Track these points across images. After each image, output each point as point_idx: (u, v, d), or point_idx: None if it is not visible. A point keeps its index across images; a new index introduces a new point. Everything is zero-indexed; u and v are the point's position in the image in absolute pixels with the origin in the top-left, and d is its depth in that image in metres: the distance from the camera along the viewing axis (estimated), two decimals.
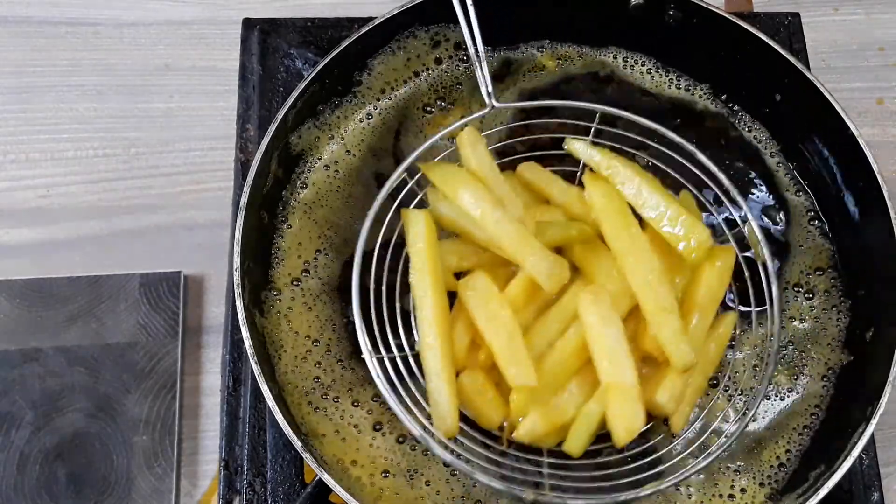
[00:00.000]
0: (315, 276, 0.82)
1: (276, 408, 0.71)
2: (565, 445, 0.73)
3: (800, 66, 0.83)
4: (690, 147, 0.79)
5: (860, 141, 0.80)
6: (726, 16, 0.85)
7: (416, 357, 0.75)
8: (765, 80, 0.87)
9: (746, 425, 0.74)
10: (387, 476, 0.76)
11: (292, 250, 0.83)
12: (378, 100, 0.89)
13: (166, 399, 0.87)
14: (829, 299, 0.84)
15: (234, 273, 0.75)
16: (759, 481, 0.77)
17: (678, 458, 0.75)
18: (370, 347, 0.73)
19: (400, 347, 0.77)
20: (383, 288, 0.78)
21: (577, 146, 0.79)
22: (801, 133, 0.87)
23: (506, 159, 0.84)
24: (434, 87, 0.90)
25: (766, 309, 0.77)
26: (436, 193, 0.78)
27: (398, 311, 0.79)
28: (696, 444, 0.76)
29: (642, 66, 0.92)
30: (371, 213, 0.77)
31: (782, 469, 0.78)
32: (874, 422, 0.72)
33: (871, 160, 0.79)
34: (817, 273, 0.85)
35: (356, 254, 0.76)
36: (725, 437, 0.73)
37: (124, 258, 0.94)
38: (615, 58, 0.92)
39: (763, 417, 0.80)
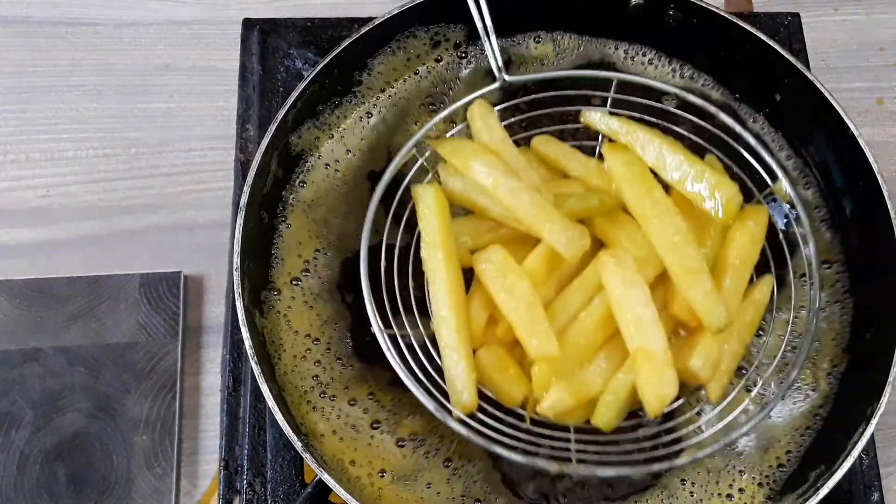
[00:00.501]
0: (315, 274, 0.82)
1: (276, 408, 0.71)
2: (594, 419, 0.70)
3: (800, 66, 0.83)
4: (713, 108, 0.77)
5: (860, 141, 0.80)
6: (726, 16, 0.85)
7: (432, 339, 0.73)
8: (765, 80, 0.87)
9: (784, 395, 0.70)
10: (385, 476, 0.76)
11: (292, 250, 0.83)
12: (378, 99, 0.89)
13: (166, 399, 0.87)
14: (834, 294, 0.84)
15: (234, 273, 0.75)
16: (759, 481, 0.77)
17: (713, 429, 0.71)
18: (380, 323, 0.71)
19: (414, 326, 0.75)
20: (395, 267, 0.76)
21: (594, 116, 0.76)
22: (801, 133, 0.87)
23: (519, 135, 0.81)
24: (434, 86, 0.90)
25: (806, 283, 0.75)
26: (447, 169, 0.76)
27: (412, 290, 0.76)
28: (733, 414, 0.73)
29: (643, 56, 0.92)
30: (377, 194, 0.75)
31: (781, 469, 0.78)
32: (874, 422, 0.71)
33: (872, 160, 0.79)
34: (824, 267, 0.84)
35: (365, 222, 0.73)
36: (761, 406, 0.70)
37: (124, 258, 0.94)
38: (616, 48, 0.92)
39: (772, 418, 0.79)
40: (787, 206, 0.78)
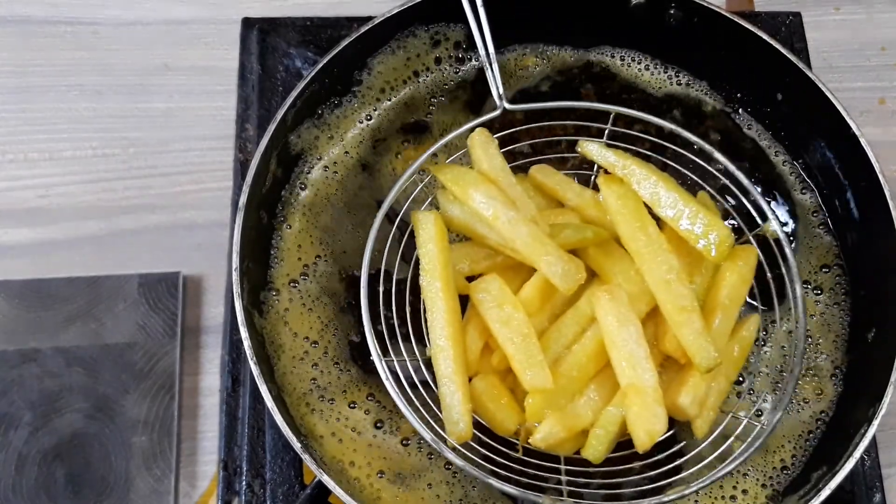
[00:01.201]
0: (314, 279, 0.82)
1: (276, 409, 0.71)
2: (584, 451, 0.71)
3: (801, 65, 0.83)
4: (708, 147, 0.79)
5: (862, 141, 0.80)
6: (727, 15, 0.85)
7: (428, 364, 0.74)
8: (766, 80, 0.87)
9: (773, 429, 0.72)
10: (384, 477, 0.76)
11: (292, 251, 0.82)
12: (378, 99, 0.89)
13: (165, 399, 0.87)
14: (833, 297, 0.83)
15: (234, 273, 0.75)
16: (762, 483, 0.77)
17: (701, 463, 0.73)
18: (380, 350, 0.72)
19: (411, 353, 0.76)
20: (392, 293, 0.77)
21: (591, 148, 0.78)
22: (802, 133, 0.87)
23: (518, 162, 0.83)
24: (434, 86, 0.90)
25: (791, 309, 0.76)
26: (446, 195, 0.77)
27: (409, 316, 0.78)
28: (720, 449, 0.74)
29: (639, 63, 0.92)
30: (376, 222, 0.76)
31: (785, 472, 0.77)
32: (876, 423, 0.71)
33: (873, 160, 0.79)
34: (823, 270, 0.84)
35: (366, 249, 0.74)
36: (750, 439, 0.72)
37: (123, 258, 0.93)
38: (612, 55, 0.92)
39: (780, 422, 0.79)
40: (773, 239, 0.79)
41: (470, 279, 0.76)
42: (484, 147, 0.77)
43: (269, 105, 0.90)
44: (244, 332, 0.73)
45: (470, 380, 0.73)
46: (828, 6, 1.09)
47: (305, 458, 0.70)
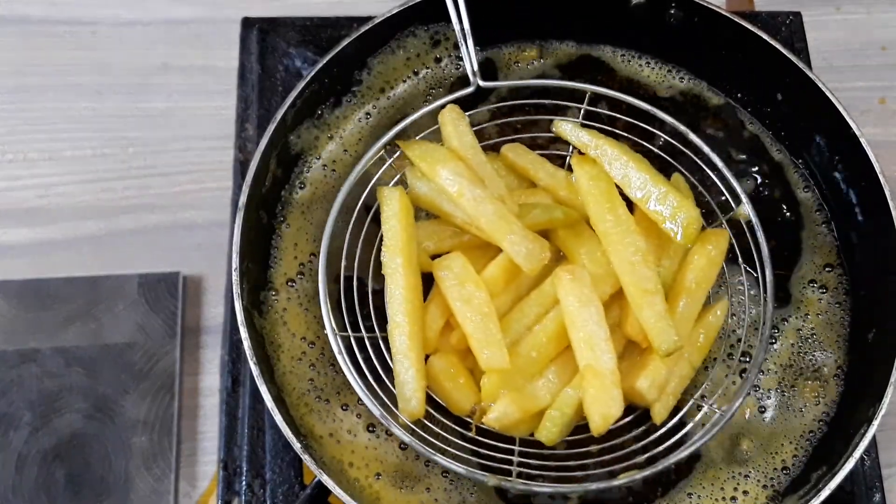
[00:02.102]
0: (309, 277, 0.82)
1: (275, 409, 0.71)
2: (538, 433, 0.70)
3: (801, 65, 0.83)
4: (682, 128, 0.78)
5: (862, 140, 0.80)
6: (728, 15, 0.85)
7: (386, 340, 0.73)
8: (766, 80, 0.87)
9: (729, 420, 0.71)
10: (382, 478, 0.75)
11: (289, 251, 0.82)
12: (377, 99, 0.88)
13: (165, 400, 0.87)
14: (834, 296, 0.83)
15: (233, 273, 0.75)
16: (763, 484, 0.77)
17: (658, 448, 0.72)
18: (335, 325, 0.71)
19: (370, 329, 0.75)
20: (355, 267, 0.76)
21: (565, 127, 0.77)
22: (802, 133, 0.87)
23: (491, 141, 0.81)
24: (433, 86, 0.90)
25: (761, 294, 0.75)
26: (414, 172, 0.76)
27: (370, 292, 0.76)
28: (678, 435, 0.73)
29: (639, 62, 0.92)
30: (341, 195, 0.75)
31: (785, 472, 0.77)
32: (876, 423, 0.71)
33: (874, 160, 0.79)
34: (827, 270, 0.84)
35: (327, 223, 0.74)
36: (711, 425, 0.70)
37: (123, 258, 0.93)
38: (613, 52, 0.92)
39: (781, 422, 0.79)
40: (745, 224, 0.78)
41: (436, 258, 0.75)
42: (454, 123, 0.76)
43: (268, 105, 0.90)
44: (244, 333, 0.73)
45: (428, 358, 0.72)
46: (828, 6, 1.09)
47: (305, 458, 0.70)
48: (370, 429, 0.77)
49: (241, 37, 0.93)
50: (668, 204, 0.71)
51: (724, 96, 0.91)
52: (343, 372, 0.77)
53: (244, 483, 0.78)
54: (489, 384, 0.69)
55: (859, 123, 0.80)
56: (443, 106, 0.78)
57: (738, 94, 0.90)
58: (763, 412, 0.79)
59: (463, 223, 0.74)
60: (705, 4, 0.85)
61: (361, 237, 0.78)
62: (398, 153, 0.78)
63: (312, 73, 0.82)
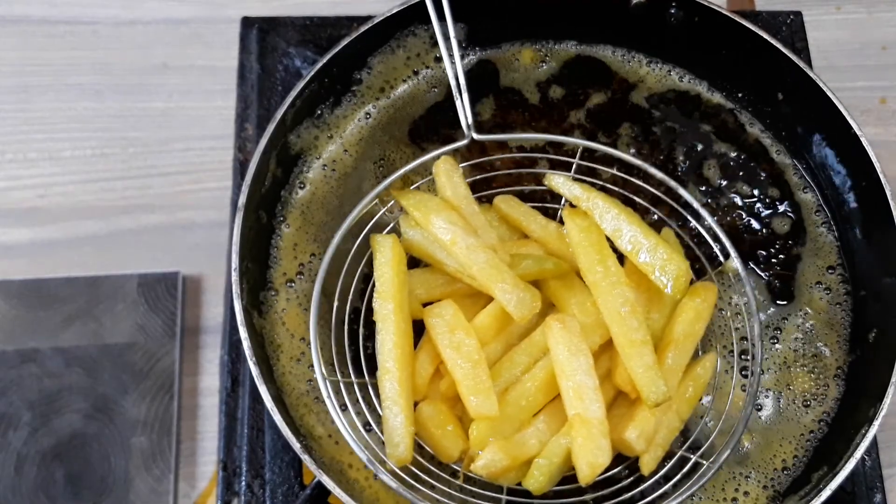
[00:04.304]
0: (308, 278, 0.81)
1: (275, 409, 0.71)
2: (525, 482, 0.70)
3: (802, 64, 0.83)
4: (673, 183, 0.79)
5: (863, 140, 0.79)
6: (728, 14, 0.85)
7: (375, 386, 0.73)
8: (767, 79, 0.87)
9: (718, 469, 0.71)
10: (380, 479, 0.75)
11: (288, 251, 0.82)
12: (378, 99, 0.88)
13: (164, 400, 0.87)
14: (835, 297, 0.83)
15: (233, 273, 0.74)
16: (763, 484, 0.77)
17: (646, 500, 0.72)
18: (324, 371, 0.71)
19: (359, 374, 0.75)
20: (346, 312, 0.77)
21: (558, 181, 0.78)
22: (803, 132, 0.87)
23: (484, 193, 0.82)
24: (433, 85, 0.90)
25: (749, 348, 0.76)
26: (407, 221, 0.77)
27: (361, 338, 0.77)
28: (671, 482, 0.73)
29: (639, 62, 0.92)
30: (335, 240, 0.75)
31: (786, 472, 0.77)
32: (877, 423, 0.71)
33: (874, 160, 0.79)
34: (827, 270, 0.84)
35: (318, 275, 0.74)
36: (699, 476, 0.70)
37: (122, 258, 0.93)
38: (613, 52, 0.92)
39: (781, 422, 0.79)
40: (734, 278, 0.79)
41: (427, 306, 0.75)
42: (448, 175, 0.77)
43: (268, 105, 0.90)
44: (243, 333, 0.73)
45: (417, 405, 0.72)
46: (829, 5, 1.09)
47: (305, 458, 0.70)
48: (367, 428, 0.77)
49: (240, 36, 0.93)
50: (658, 256, 0.72)
51: (725, 96, 0.91)
52: (345, 373, 0.77)
53: (244, 483, 0.78)
54: (478, 432, 0.69)
55: (860, 123, 0.80)
56: (438, 156, 0.79)
57: (739, 94, 0.90)
58: (762, 412, 0.79)
59: (455, 271, 0.74)
60: (706, 4, 0.85)
61: (354, 282, 0.78)
62: (392, 202, 0.79)
63: (312, 73, 0.81)
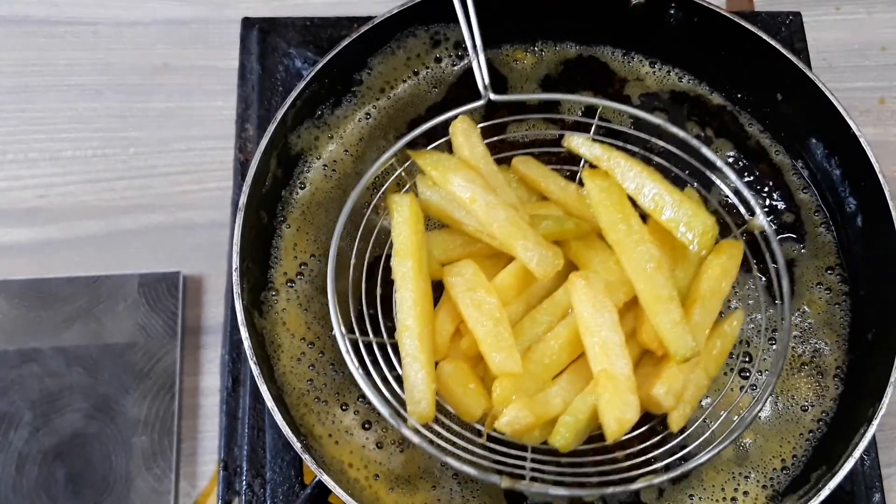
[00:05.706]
0: (308, 278, 0.82)
1: (276, 409, 0.71)
2: (552, 439, 0.69)
3: (801, 65, 0.83)
4: (695, 142, 0.78)
5: (862, 140, 0.80)
6: (727, 15, 0.85)
7: (394, 346, 0.72)
8: (766, 80, 0.87)
9: (749, 424, 0.70)
10: (380, 479, 0.75)
11: (289, 251, 0.82)
12: (378, 99, 0.89)
13: (165, 399, 0.87)
14: (834, 297, 0.83)
15: (233, 273, 0.75)
16: (762, 484, 0.77)
17: (674, 456, 0.72)
18: (343, 328, 0.70)
19: (378, 333, 0.75)
20: (364, 271, 0.76)
21: (577, 141, 0.77)
22: (802, 133, 0.87)
23: (501, 154, 0.81)
24: (433, 85, 0.90)
25: (779, 304, 0.75)
26: (425, 181, 0.76)
27: (379, 298, 0.76)
28: (696, 442, 0.73)
29: (639, 63, 0.92)
30: (354, 193, 0.74)
31: (785, 472, 0.77)
32: (876, 423, 0.71)
33: (874, 160, 0.79)
34: (828, 272, 0.84)
35: (338, 224, 0.73)
36: (730, 431, 0.70)
37: (123, 258, 0.93)
38: (612, 53, 0.92)
39: (780, 422, 0.79)
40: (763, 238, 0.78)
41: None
42: (466, 134, 0.76)
43: (269, 105, 0.90)
44: (244, 332, 0.73)
45: (437, 364, 0.71)
46: (828, 6, 1.09)
47: (305, 458, 0.70)
48: (365, 426, 0.77)
49: (241, 37, 0.93)
50: (683, 212, 0.70)
51: (724, 97, 0.91)
52: (342, 373, 0.77)
53: (244, 483, 0.78)
54: (501, 389, 0.68)
55: (859, 124, 0.80)
56: (454, 117, 0.78)
57: (738, 95, 0.90)
58: (762, 412, 0.79)
59: (474, 231, 0.73)
60: (705, 4, 0.85)
61: (371, 242, 0.78)
62: (409, 162, 0.78)
63: (312, 74, 0.82)
